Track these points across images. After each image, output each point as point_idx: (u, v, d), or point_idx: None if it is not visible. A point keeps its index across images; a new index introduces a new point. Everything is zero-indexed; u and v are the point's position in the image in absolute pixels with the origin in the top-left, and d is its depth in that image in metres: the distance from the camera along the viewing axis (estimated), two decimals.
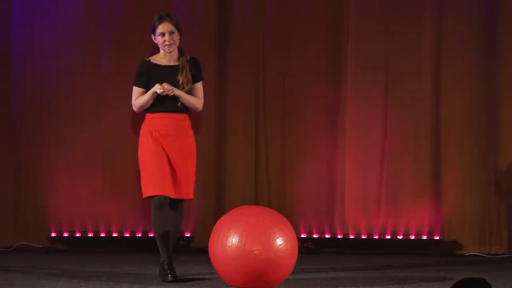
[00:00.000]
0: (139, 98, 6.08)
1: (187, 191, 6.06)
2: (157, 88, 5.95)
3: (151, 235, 8.35)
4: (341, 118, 8.42)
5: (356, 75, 8.37)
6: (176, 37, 6.05)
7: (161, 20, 6.03)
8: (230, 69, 8.46)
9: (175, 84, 6.02)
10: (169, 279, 5.95)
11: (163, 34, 6.01)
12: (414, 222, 8.28)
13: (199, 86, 6.13)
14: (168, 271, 5.98)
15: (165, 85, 5.95)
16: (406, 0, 8.39)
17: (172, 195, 6.00)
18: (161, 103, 6.02)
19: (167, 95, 5.98)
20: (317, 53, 8.43)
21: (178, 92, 6.00)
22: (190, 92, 6.08)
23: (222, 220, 5.80)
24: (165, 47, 6.03)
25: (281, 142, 8.46)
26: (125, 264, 7.18)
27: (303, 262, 6.78)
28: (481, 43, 8.30)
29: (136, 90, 6.10)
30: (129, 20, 8.41)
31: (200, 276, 6.28)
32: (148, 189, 6.02)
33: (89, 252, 8.14)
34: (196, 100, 6.11)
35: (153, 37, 6.09)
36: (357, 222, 8.33)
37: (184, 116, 6.08)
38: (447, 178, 8.29)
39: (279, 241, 5.55)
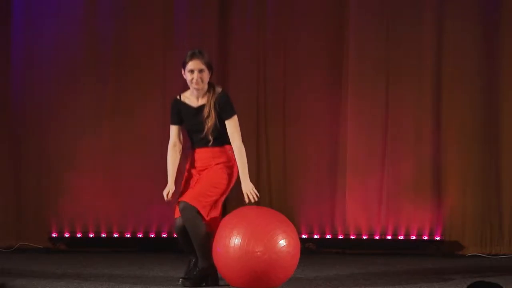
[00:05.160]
0: (168, 161, 6.10)
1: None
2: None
3: (152, 235, 8.37)
4: (342, 118, 8.42)
5: (357, 75, 8.36)
6: (206, 75, 5.96)
7: (192, 56, 5.96)
8: (231, 69, 8.46)
9: (201, 123, 5.95)
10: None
11: (192, 71, 5.94)
12: (415, 223, 8.28)
13: (230, 122, 5.99)
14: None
15: (251, 195, 5.90)
16: (406, 0, 8.39)
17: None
18: (195, 141, 6.01)
19: (199, 133, 5.94)
20: (318, 53, 8.42)
21: (244, 178, 5.92)
22: (216, 127, 5.97)
23: (224, 220, 5.81)
24: (193, 85, 5.96)
25: (282, 142, 8.46)
26: (126, 265, 7.18)
27: (304, 263, 6.78)
28: (481, 42, 8.30)
29: (171, 127, 6.11)
30: (130, 20, 8.40)
31: None
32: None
33: (90, 252, 8.14)
34: (239, 153, 5.95)
35: (183, 71, 6.01)
36: (358, 222, 8.33)
37: (217, 149, 5.99)
38: (448, 178, 8.29)
39: (282, 242, 5.55)
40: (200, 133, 5.96)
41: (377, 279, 6.41)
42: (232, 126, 5.99)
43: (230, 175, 5.96)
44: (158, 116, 8.40)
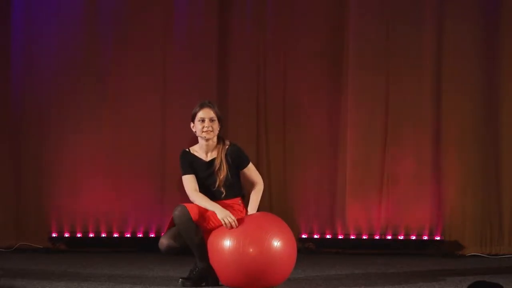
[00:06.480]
0: (198, 199, 5.80)
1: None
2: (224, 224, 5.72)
3: (152, 235, 8.37)
4: (342, 118, 8.42)
5: (356, 75, 8.36)
6: (216, 125, 5.88)
7: (202, 106, 5.88)
8: (231, 69, 8.45)
9: (213, 176, 5.88)
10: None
11: (203, 120, 5.85)
12: (415, 222, 8.28)
13: (247, 170, 5.95)
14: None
15: (228, 222, 5.71)
16: (406, 0, 8.39)
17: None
18: (209, 195, 5.89)
19: (211, 186, 5.87)
20: (318, 53, 8.42)
21: (251, 212, 5.86)
22: (227, 179, 5.88)
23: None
24: (203, 134, 5.84)
25: (282, 142, 8.46)
26: (126, 265, 7.18)
27: (304, 263, 6.78)
28: (481, 42, 8.30)
29: (186, 178, 5.89)
30: (130, 20, 8.40)
31: None
32: None
33: (90, 252, 8.14)
34: (258, 191, 5.92)
35: (192, 125, 5.92)
36: (358, 222, 8.33)
37: (231, 201, 5.92)
38: (448, 178, 8.29)
39: (275, 242, 5.53)
40: (212, 186, 5.89)
41: (377, 279, 6.41)
42: (251, 171, 5.97)
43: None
44: (158, 116, 8.41)
